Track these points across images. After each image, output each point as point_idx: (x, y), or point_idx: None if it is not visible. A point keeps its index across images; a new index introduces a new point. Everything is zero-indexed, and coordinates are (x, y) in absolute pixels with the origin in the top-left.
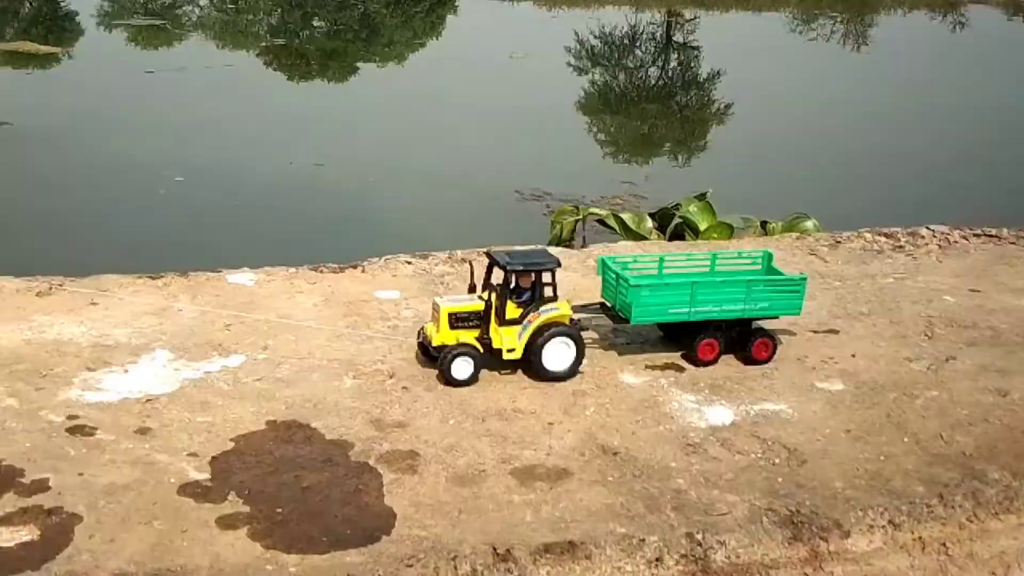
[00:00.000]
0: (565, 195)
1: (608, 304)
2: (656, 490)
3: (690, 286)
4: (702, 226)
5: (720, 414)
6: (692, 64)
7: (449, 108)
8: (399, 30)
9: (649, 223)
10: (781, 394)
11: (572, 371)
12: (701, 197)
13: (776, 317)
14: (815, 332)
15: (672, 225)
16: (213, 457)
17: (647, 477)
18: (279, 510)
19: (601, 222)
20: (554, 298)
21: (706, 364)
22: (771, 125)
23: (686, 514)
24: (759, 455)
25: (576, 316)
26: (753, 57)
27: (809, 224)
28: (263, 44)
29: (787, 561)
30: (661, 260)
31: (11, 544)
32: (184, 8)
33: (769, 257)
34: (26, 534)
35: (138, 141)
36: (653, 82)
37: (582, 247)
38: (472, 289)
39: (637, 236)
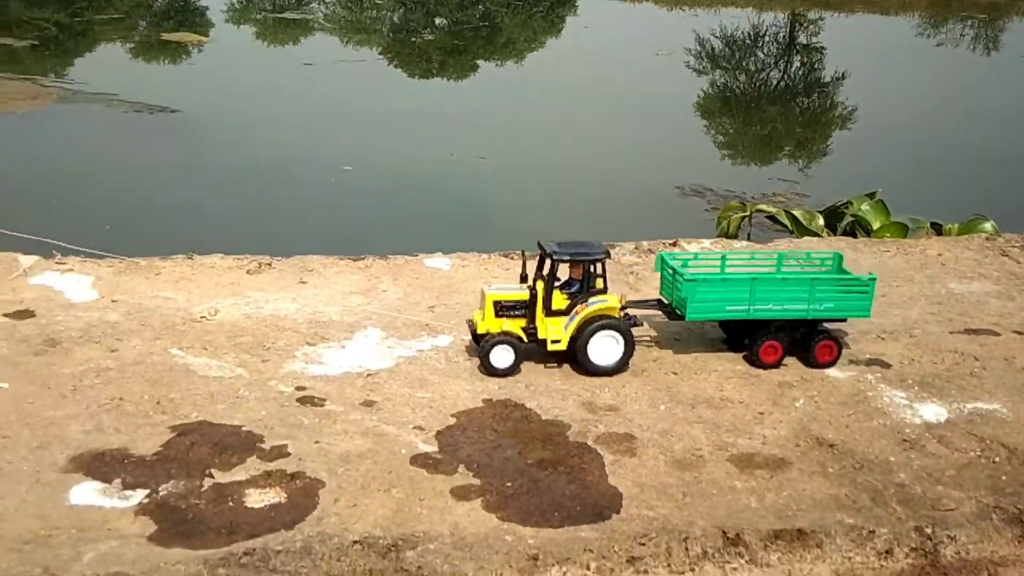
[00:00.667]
0: (726, 191)
1: (665, 301)
2: (879, 483)
3: (750, 283)
4: (875, 225)
5: (933, 411)
6: (816, 65)
7: (598, 104)
8: (519, 28)
9: (820, 220)
10: (993, 393)
11: (619, 366)
12: (871, 196)
13: (844, 319)
14: (1018, 333)
15: (844, 223)
16: (438, 431)
17: (867, 470)
18: (508, 484)
19: (772, 218)
20: (603, 290)
21: (767, 367)
22: (924, 128)
23: (912, 508)
24: (978, 453)
25: (632, 312)
26: (885, 59)
27: (987, 226)
28: (387, 40)
29: (1016, 559)
30: (723, 258)
31: (262, 505)
32: (311, 5)
33: (839, 259)
34: (274, 496)
35: (303, 130)
36: (775, 83)
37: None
38: (524, 279)
39: (809, 233)
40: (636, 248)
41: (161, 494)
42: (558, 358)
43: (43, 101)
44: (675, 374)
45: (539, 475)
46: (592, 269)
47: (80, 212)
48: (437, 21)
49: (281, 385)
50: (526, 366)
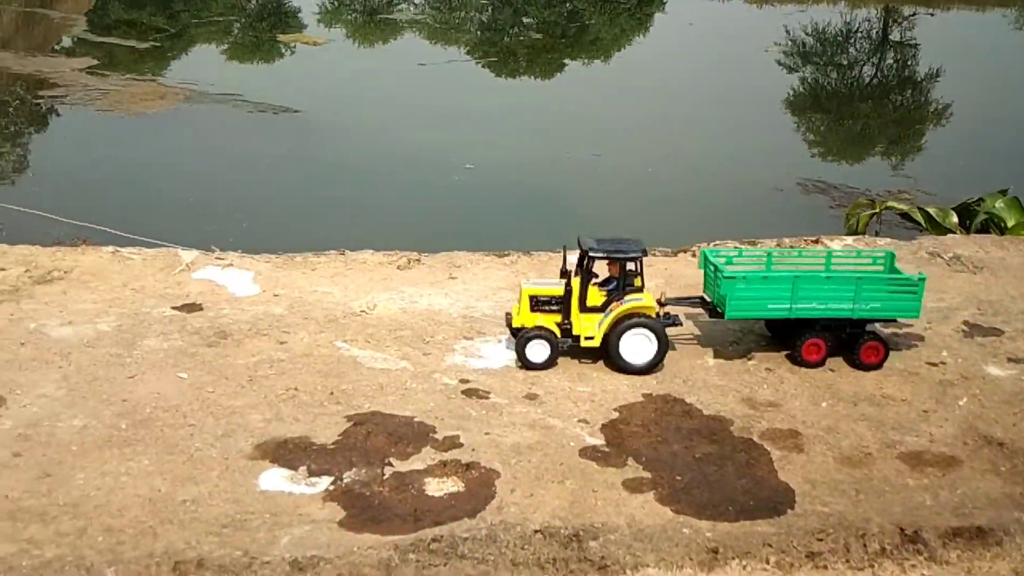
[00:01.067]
0: (849, 188)
1: (707, 299)
2: None
3: (792, 281)
4: (1010, 222)
5: None
6: (910, 62)
7: (694, 100)
8: (607, 27)
9: (954, 218)
10: None
11: (651, 366)
12: (1003, 193)
13: (892, 320)
14: None
15: (977, 220)
16: (602, 425)
17: None
18: (678, 478)
19: (904, 216)
20: (639, 288)
21: (811, 366)
22: None
23: None
24: None
25: (669, 310)
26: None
27: None
28: (474, 39)
29: None
30: (769, 256)
31: (442, 494)
32: (400, 6)
33: (891, 258)
34: (452, 485)
35: (418, 128)
36: (867, 80)
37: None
38: (564, 274)
39: (943, 230)
40: (778, 245)
41: (345, 481)
42: (592, 354)
43: (171, 102)
44: (832, 371)
45: (708, 469)
46: (630, 267)
47: (218, 210)
48: (525, 20)
49: (445, 378)
50: (679, 362)
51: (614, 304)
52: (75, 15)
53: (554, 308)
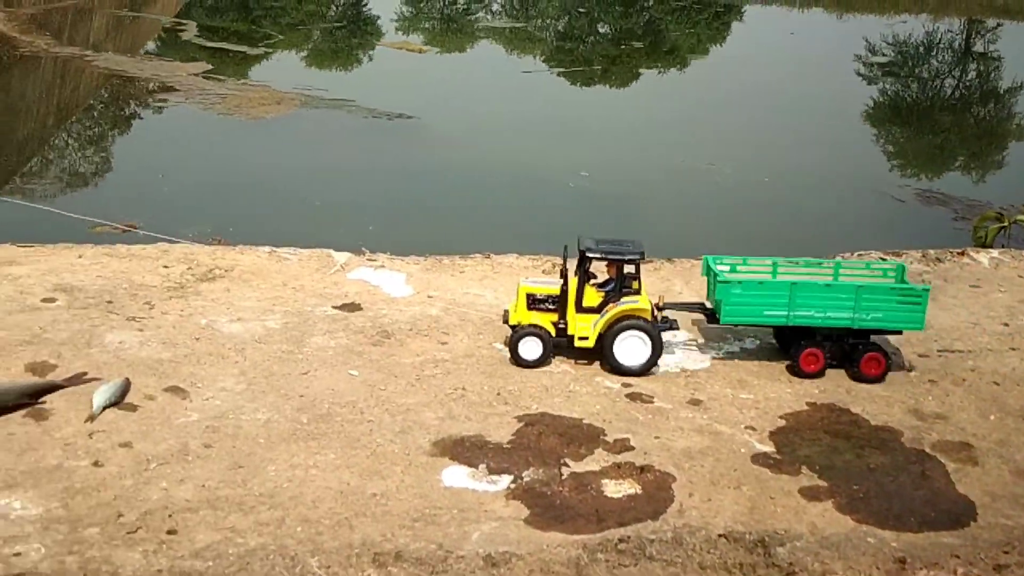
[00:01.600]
0: (972, 200)
1: (708, 305)
2: None
3: (789, 287)
4: None
5: None
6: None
7: (802, 109)
8: (685, 37)
9: None
10: None
11: (646, 368)
12: None
13: (896, 331)
14: None
15: None
16: (770, 432)
17: None
18: (855, 487)
19: None
20: (637, 291)
21: (809, 376)
22: None
23: None
24: None
25: (667, 314)
26: None
27: None
28: (551, 48)
29: None
30: (775, 265)
31: (620, 495)
32: (477, 14)
33: (902, 270)
34: (629, 487)
35: (526, 135)
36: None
37: None
38: (564, 275)
39: None
40: (924, 256)
41: (525, 480)
42: (588, 355)
43: (287, 107)
44: (997, 384)
45: (883, 479)
46: (627, 269)
47: (344, 212)
48: (600, 29)
49: (607, 381)
50: (842, 371)
51: (610, 305)
52: (157, 16)
53: (550, 307)
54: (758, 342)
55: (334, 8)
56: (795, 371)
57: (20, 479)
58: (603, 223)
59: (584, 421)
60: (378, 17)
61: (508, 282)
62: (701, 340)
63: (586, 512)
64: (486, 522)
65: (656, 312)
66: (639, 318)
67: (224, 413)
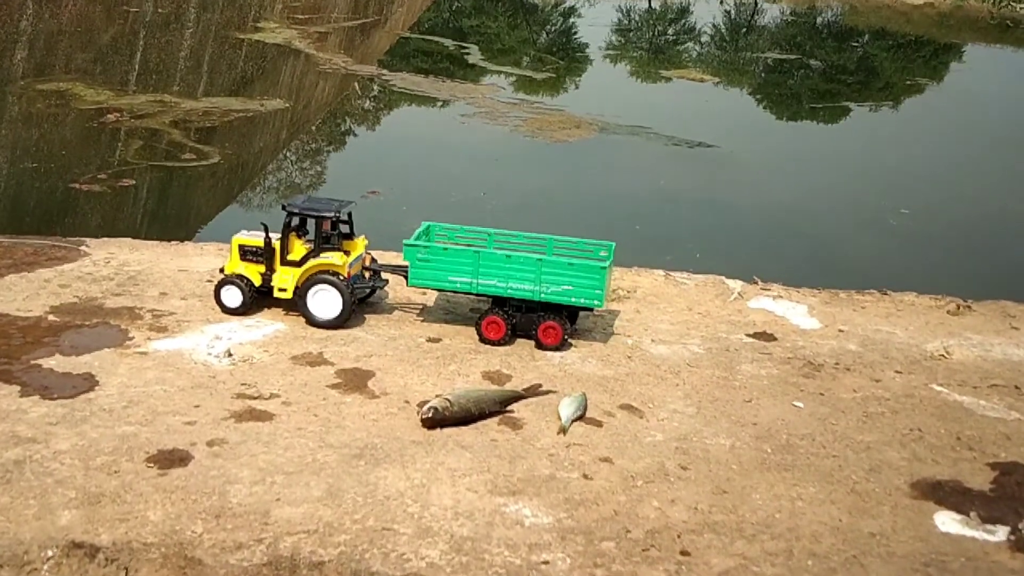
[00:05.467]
0: None
1: None
2: None
3: (474, 256)
4: None
5: None
6: None
7: None
8: (899, 73)
9: None
10: None
11: (338, 322)
12: None
13: (582, 307)
14: None
15: None
16: None
17: None
18: None
19: None
20: (336, 248)
21: (492, 343)
22: None
23: None
24: None
25: (375, 274)
26: None
27: None
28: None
29: None
30: (491, 237)
31: None
32: (686, 44)
33: (611, 249)
34: None
35: (827, 169)
36: None
37: None
38: (266, 228)
39: None
40: None
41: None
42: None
43: (586, 131)
44: None
45: None
46: (325, 227)
47: (687, 238)
48: (812, 63)
49: None
50: None
51: (310, 260)
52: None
53: (260, 259)
54: None
55: (544, 35)
56: (482, 339)
57: (520, 486)
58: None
59: None
60: (587, 45)
61: (916, 321)
62: None
63: None
64: (1000, 574)
65: (364, 271)
66: (333, 273)
67: (686, 435)
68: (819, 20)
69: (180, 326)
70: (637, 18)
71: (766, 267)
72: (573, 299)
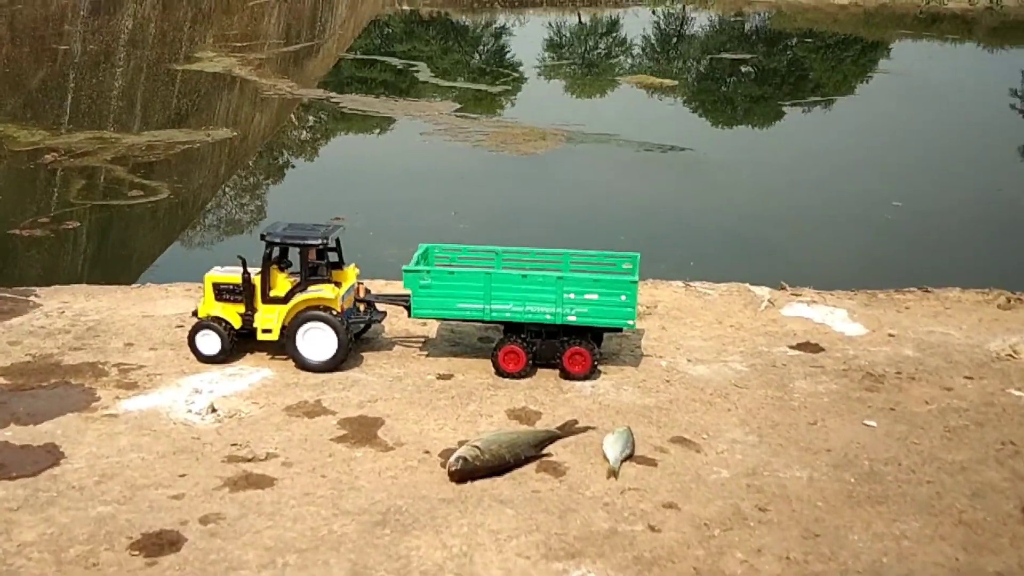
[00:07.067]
0: None
1: None
2: None
3: (485, 278)
4: None
5: None
6: None
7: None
8: (828, 73)
9: None
10: None
11: (332, 364)
12: None
13: (610, 328)
14: None
15: None
16: None
17: None
18: None
19: None
20: (325, 279)
21: (511, 376)
22: None
23: None
24: None
25: (370, 306)
26: None
27: None
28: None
29: None
30: (498, 255)
31: None
32: (618, 58)
33: (635, 261)
34: None
35: (806, 167)
36: None
37: None
38: (244, 263)
39: None
40: None
41: None
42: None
43: (553, 142)
44: None
45: None
46: (311, 256)
47: (688, 242)
48: (743, 69)
49: None
50: None
51: (297, 295)
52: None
53: (238, 297)
54: None
55: (477, 56)
56: (498, 371)
57: (579, 546)
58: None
59: None
60: (520, 64)
61: (968, 319)
62: None
63: None
64: None
65: (358, 304)
66: (322, 308)
67: (755, 469)
68: (747, 26)
69: (152, 381)
70: (568, 34)
71: (779, 271)
72: (601, 320)
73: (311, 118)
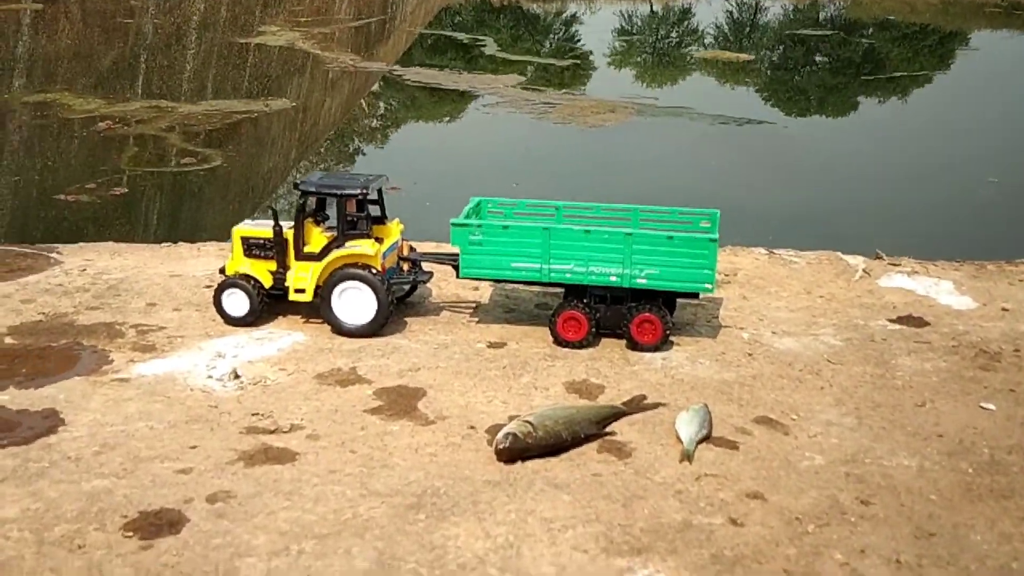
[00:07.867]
0: None
1: None
2: None
3: (543, 234)
4: None
5: None
6: None
7: None
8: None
9: None
10: None
11: (372, 329)
12: None
13: (685, 294)
14: None
15: None
16: None
17: None
18: None
19: None
20: (365, 235)
21: (572, 345)
22: None
23: None
24: None
25: (415, 265)
26: None
27: None
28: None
29: None
30: (559, 210)
31: None
32: (690, 47)
33: (715, 218)
34: None
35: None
36: None
37: None
38: (275, 215)
39: None
40: None
41: None
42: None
43: (622, 115)
44: None
45: None
46: (357, 208)
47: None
48: (817, 58)
49: None
50: None
51: (333, 252)
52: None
53: (269, 254)
54: None
55: (548, 44)
56: (557, 340)
57: (647, 540)
58: None
59: None
60: (591, 52)
61: None
62: None
63: None
64: None
65: (401, 263)
66: (364, 266)
67: (854, 456)
68: (822, 15)
69: (172, 344)
70: (640, 22)
71: (871, 241)
72: (675, 283)
73: (375, 90)
